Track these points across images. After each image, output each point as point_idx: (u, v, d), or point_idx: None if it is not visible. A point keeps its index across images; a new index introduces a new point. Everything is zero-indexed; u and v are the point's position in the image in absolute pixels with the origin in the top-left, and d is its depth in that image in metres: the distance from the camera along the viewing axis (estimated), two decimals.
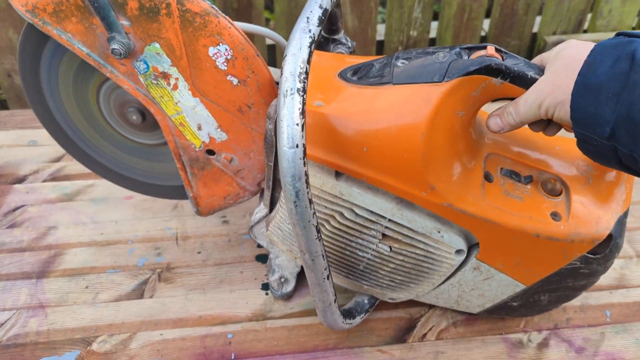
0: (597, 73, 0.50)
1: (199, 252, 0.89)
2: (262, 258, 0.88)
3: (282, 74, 0.56)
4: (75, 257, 0.88)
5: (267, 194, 0.75)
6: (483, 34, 1.56)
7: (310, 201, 0.57)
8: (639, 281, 0.84)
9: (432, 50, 0.64)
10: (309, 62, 0.56)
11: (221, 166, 0.77)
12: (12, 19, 1.28)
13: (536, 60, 0.61)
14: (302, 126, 0.54)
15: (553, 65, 0.56)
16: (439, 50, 0.63)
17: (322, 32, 0.80)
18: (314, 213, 0.58)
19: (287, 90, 0.55)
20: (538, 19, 1.56)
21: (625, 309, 0.81)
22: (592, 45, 0.54)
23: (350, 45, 0.81)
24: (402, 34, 1.49)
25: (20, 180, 1.01)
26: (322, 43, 0.81)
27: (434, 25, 1.55)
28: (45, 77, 0.76)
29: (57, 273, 0.85)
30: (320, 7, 0.62)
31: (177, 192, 0.87)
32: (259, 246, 0.90)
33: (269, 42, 1.46)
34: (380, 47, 1.53)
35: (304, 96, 0.55)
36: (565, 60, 0.54)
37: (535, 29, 1.55)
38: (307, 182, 0.56)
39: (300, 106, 0.54)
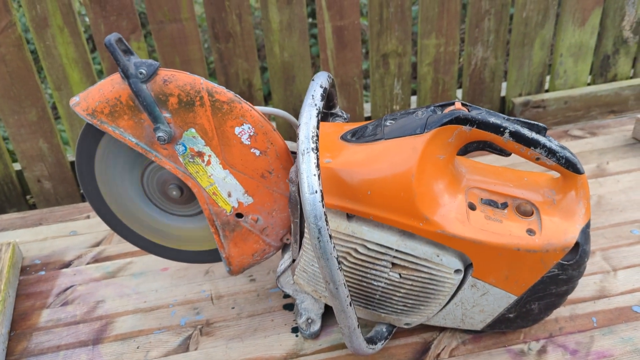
0: None
1: (233, 308, 1.01)
2: (289, 306, 1.00)
3: (298, 138, 0.72)
4: (124, 323, 0.99)
5: (295, 247, 0.88)
6: None
7: (330, 236, 0.70)
8: (617, 290, 0.97)
9: (412, 110, 0.80)
10: (317, 127, 0.73)
11: (249, 226, 0.91)
12: (42, 131, 1.45)
13: None
14: (318, 176, 0.70)
15: None
16: (417, 109, 0.80)
17: (322, 108, 0.97)
18: (334, 247, 0.71)
19: (304, 150, 0.70)
20: (504, 84, 1.77)
21: (609, 315, 0.92)
22: None
23: (345, 117, 0.98)
24: (386, 109, 1.68)
25: (67, 265, 1.14)
26: (323, 117, 0.98)
27: (414, 99, 1.75)
28: (99, 168, 0.92)
29: (110, 338, 0.96)
30: (321, 86, 0.79)
31: (210, 257, 1.00)
32: (285, 296, 1.02)
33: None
34: None
35: (317, 153, 0.71)
36: None
37: (503, 93, 1.75)
38: (326, 221, 0.70)
39: (316, 161, 0.70)
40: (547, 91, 1.77)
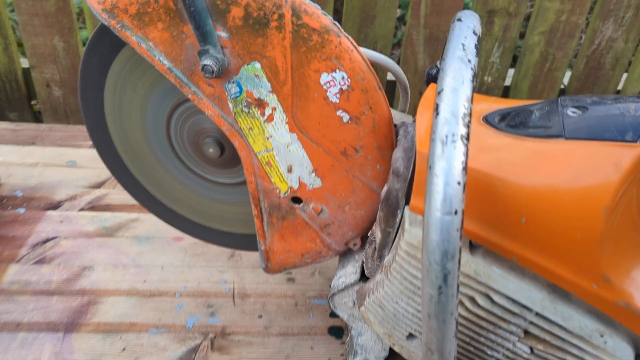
0: None
1: (260, 316, 0.74)
2: (336, 332, 0.73)
3: (438, 113, 0.42)
4: (112, 307, 0.73)
5: (375, 264, 0.60)
6: (562, 86, 1.43)
7: (458, 288, 0.42)
8: None
9: (613, 99, 0.50)
10: (472, 101, 0.43)
11: (307, 218, 0.62)
12: (59, 25, 1.19)
13: None
14: (464, 186, 0.40)
15: None
16: (625, 99, 0.49)
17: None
18: (457, 304, 0.43)
19: (447, 137, 0.41)
20: (624, 75, 1.43)
21: None
22: None
23: None
24: (475, 79, 1.36)
25: (55, 206, 0.88)
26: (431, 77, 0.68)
27: (511, 72, 1.43)
28: (110, 93, 0.63)
29: (90, 327, 0.70)
30: (474, 33, 0.49)
31: (241, 241, 0.72)
32: (332, 315, 0.74)
33: (389, 77, 1.34)
34: None
35: (467, 146, 0.41)
36: None
37: (619, 86, 1.42)
38: (459, 263, 0.41)
39: (464, 159, 0.40)
40: None
